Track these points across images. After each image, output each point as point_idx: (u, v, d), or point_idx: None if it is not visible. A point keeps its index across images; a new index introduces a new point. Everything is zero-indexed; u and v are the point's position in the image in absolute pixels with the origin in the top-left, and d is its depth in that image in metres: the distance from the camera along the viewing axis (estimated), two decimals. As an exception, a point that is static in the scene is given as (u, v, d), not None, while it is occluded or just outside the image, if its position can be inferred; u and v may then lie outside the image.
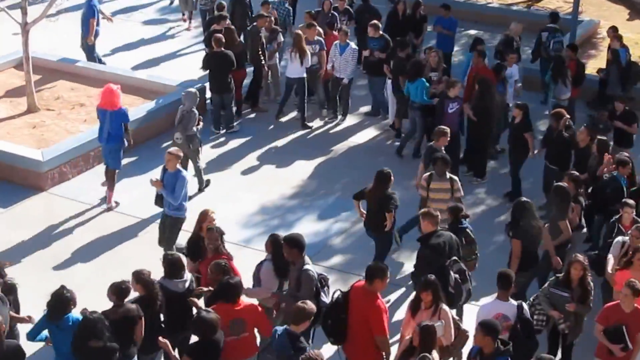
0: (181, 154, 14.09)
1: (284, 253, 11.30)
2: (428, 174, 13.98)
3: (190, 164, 16.40)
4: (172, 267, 11.20)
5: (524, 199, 13.10)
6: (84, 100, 19.42)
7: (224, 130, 18.88)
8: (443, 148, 14.79)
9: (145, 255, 14.51)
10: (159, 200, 14.12)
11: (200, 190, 16.74)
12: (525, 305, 11.21)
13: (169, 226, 14.03)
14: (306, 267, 11.09)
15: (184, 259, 11.67)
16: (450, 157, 14.42)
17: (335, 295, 10.83)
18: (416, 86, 17.38)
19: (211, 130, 18.67)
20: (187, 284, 11.21)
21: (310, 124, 19.44)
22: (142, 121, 18.21)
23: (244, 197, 16.48)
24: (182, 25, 24.49)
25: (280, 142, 18.69)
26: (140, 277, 10.78)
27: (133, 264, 13.98)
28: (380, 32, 19.39)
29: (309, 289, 11.05)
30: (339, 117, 19.66)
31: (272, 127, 19.36)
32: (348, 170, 17.47)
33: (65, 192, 16.53)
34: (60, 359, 10.51)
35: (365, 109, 20.10)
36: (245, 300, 10.83)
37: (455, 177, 14.04)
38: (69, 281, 13.02)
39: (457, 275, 11.83)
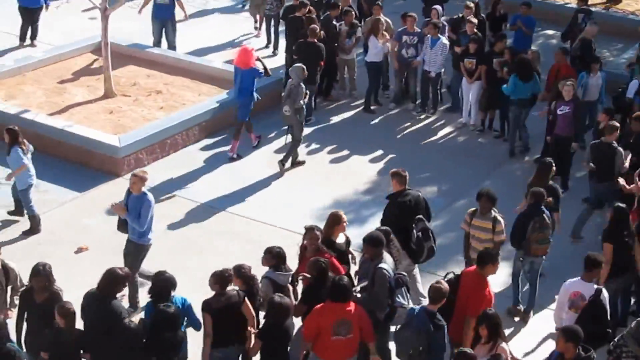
0: (147, 177, 12.94)
1: (364, 250, 11.36)
2: (473, 209, 12.94)
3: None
4: (279, 259, 11.28)
5: (622, 204, 12.86)
6: (160, 87, 19.64)
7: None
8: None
9: (218, 244, 14.75)
10: (122, 225, 13.09)
11: (293, 164, 17.25)
12: (604, 292, 11.30)
13: (132, 253, 12.97)
14: (381, 265, 11.11)
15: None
16: (561, 162, 14.23)
17: (447, 277, 11.17)
18: (532, 83, 17.38)
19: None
20: (290, 278, 11.33)
21: (373, 108, 19.80)
22: (217, 111, 18.41)
23: (317, 190, 16.56)
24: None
25: (355, 135, 18.76)
26: (240, 272, 10.85)
27: (207, 252, 14.37)
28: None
29: (383, 287, 11.09)
30: (429, 111, 19.73)
31: (346, 118, 19.44)
32: (422, 167, 17.47)
33: (141, 178, 16.74)
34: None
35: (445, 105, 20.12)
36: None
37: (500, 218, 12.70)
38: (144, 268, 13.35)
39: (419, 233, 12.65)
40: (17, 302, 11.26)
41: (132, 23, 22.23)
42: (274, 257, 11.33)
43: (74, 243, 14.52)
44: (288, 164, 17.23)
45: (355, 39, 19.80)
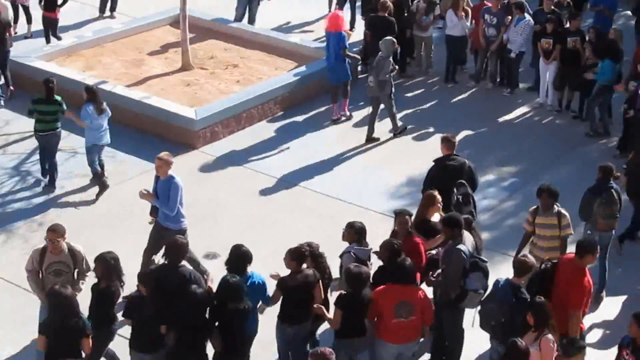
0: (172, 160, 12.68)
1: (443, 232, 11.36)
2: (534, 207, 12.42)
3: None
4: (361, 234, 11.32)
5: None
6: (237, 61, 19.74)
7: None
8: None
9: (289, 219, 14.81)
10: (154, 210, 12.96)
11: (395, 135, 17.32)
12: None
13: (162, 238, 12.20)
14: (460, 246, 11.07)
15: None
16: None
17: (543, 266, 11.04)
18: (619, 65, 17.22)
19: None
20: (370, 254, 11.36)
21: (452, 83, 19.87)
22: (293, 85, 18.48)
23: (389, 167, 16.53)
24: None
25: (431, 112, 18.68)
26: (308, 251, 10.90)
27: (277, 227, 14.42)
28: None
29: (457, 267, 11.05)
30: (507, 91, 19.56)
31: (421, 95, 19.36)
32: (499, 146, 17.36)
33: (216, 151, 16.90)
34: None
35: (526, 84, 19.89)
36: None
37: (565, 212, 12.19)
38: (215, 241, 13.47)
39: (460, 197, 12.77)
40: (82, 286, 11.20)
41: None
42: (356, 232, 11.38)
43: (147, 214, 14.63)
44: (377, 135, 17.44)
45: (432, 16, 19.67)
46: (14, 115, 17.76)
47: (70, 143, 16.69)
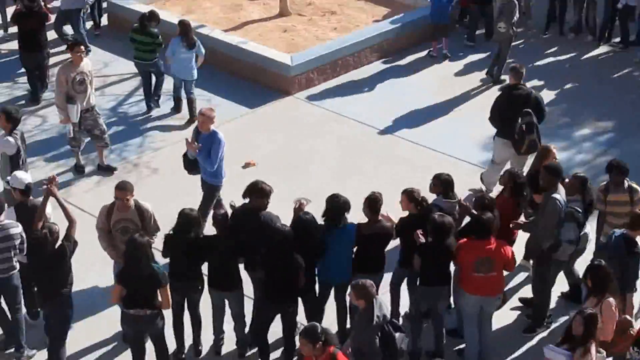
0: (214, 114, 12.58)
1: (541, 179, 11.17)
2: (604, 184, 11.89)
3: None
4: (447, 186, 11.23)
5: None
6: (335, 8, 19.66)
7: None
8: None
9: (382, 168, 14.76)
10: (191, 165, 12.77)
11: (494, 83, 17.44)
12: None
13: (205, 192, 12.76)
14: (554, 195, 10.89)
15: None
16: None
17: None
18: None
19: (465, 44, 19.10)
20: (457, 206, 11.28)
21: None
22: (390, 33, 18.43)
23: (486, 117, 16.30)
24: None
25: (528, 64, 18.22)
26: (413, 196, 10.87)
27: (370, 175, 14.36)
28: None
29: (551, 217, 10.88)
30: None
31: (518, 47, 19.00)
32: (595, 101, 17.01)
33: (310, 98, 16.91)
34: (335, 258, 10.68)
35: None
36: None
37: (637, 186, 11.68)
38: (304, 188, 13.47)
39: (523, 125, 13.09)
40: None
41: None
42: (442, 183, 11.28)
43: (242, 158, 14.78)
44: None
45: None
46: (113, 57, 18.02)
47: (168, 85, 16.85)
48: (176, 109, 16.25)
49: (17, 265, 10.49)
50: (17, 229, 10.33)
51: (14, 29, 17.72)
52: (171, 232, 10.48)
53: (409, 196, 10.86)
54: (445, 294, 10.71)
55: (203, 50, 15.77)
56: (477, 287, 10.40)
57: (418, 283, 10.74)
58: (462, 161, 14.95)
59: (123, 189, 10.65)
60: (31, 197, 10.88)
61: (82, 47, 14.21)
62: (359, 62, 17.92)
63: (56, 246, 10.03)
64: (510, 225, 11.31)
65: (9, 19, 18.02)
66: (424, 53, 18.48)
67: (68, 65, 13.89)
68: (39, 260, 10.09)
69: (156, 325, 10.03)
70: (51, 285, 10.07)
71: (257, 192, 10.87)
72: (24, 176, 10.89)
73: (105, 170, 14.50)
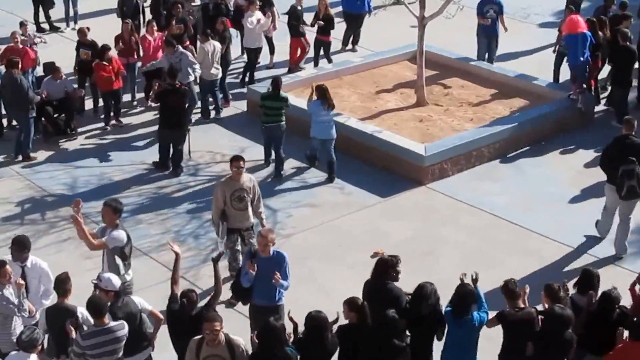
0: (274, 236, 11.51)
1: None
2: None
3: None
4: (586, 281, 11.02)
5: None
6: (472, 99, 19.55)
7: None
8: None
9: (510, 259, 14.44)
10: (238, 293, 11.59)
11: None
12: None
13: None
14: None
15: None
16: None
17: None
18: None
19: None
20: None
21: None
22: (525, 125, 18.19)
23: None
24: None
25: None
26: (552, 291, 10.73)
27: (499, 267, 14.04)
28: None
29: None
30: None
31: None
32: None
33: (443, 189, 16.76)
34: (452, 352, 10.63)
35: None
36: None
37: None
38: (433, 278, 13.19)
39: (624, 171, 13.84)
40: None
41: (449, 33, 22.14)
42: (583, 276, 11.07)
43: (371, 247, 14.70)
44: None
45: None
46: (249, 143, 18.32)
47: (302, 173, 17.03)
48: (311, 164, 17.25)
49: None
50: (124, 330, 10.15)
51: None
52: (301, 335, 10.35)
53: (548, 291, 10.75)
54: None
55: None
56: None
57: None
58: (593, 256, 14.53)
59: (213, 320, 9.74)
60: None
61: (242, 163, 13.25)
62: (495, 153, 17.72)
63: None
64: None
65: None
66: (559, 145, 18.16)
67: (226, 180, 13.33)
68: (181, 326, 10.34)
69: None
70: None
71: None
72: (115, 278, 10.75)
73: None
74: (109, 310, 10.30)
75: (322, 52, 21.88)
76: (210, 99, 19.54)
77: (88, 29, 19.68)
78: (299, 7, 21.64)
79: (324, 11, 21.58)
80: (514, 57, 22.48)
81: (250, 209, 13.28)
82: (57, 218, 15.67)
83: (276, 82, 16.94)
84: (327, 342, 10.10)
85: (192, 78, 18.56)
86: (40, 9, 23.79)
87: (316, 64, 21.78)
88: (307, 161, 17.35)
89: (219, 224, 13.27)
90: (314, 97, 16.76)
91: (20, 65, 17.56)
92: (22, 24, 19.70)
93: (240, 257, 13.20)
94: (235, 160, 13.14)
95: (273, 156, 17.29)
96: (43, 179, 16.97)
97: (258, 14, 20.80)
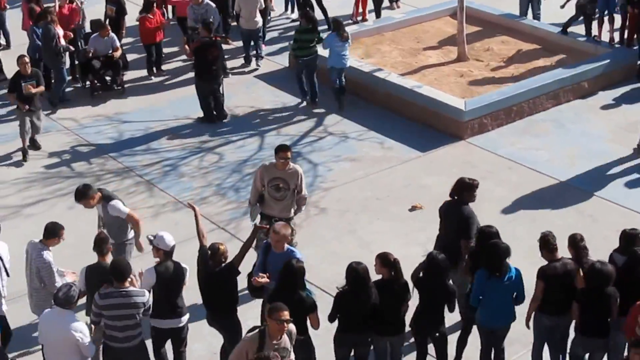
0: (289, 231, 10.77)
1: None
2: None
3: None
4: (629, 241, 10.62)
5: None
6: (513, 54, 19.30)
7: None
8: None
9: (552, 215, 14.27)
10: (255, 291, 10.80)
11: None
12: None
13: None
14: None
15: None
16: None
17: None
18: None
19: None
20: None
21: None
22: (565, 81, 17.95)
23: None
24: None
25: None
26: (575, 241, 10.58)
27: (539, 223, 13.89)
28: None
29: None
30: None
31: None
32: None
33: (483, 143, 16.58)
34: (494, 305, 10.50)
35: None
36: None
37: None
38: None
39: None
40: None
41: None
42: (624, 237, 10.72)
43: (410, 201, 14.63)
44: None
45: None
46: (291, 98, 18.25)
47: (343, 127, 16.97)
48: (340, 94, 17.58)
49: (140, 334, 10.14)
50: (143, 298, 9.99)
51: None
52: (341, 289, 10.20)
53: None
54: (601, 346, 10.27)
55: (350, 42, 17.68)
56: None
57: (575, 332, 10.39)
58: (635, 212, 14.32)
59: (280, 309, 9.08)
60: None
61: (288, 153, 12.13)
62: (534, 108, 17.49)
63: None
64: None
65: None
66: (600, 101, 17.89)
67: (269, 166, 12.30)
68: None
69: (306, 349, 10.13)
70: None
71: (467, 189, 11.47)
72: (170, 238, 10.57)
73: None
74: (154, 268, 10.35)
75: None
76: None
77: None
78: None
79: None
80: (560, 16, 22.09)
81: (286, 201, 12.24)
82: (102, 171, 15.78)
83: (309, 15, 17.94)
84: (369, 292, 10.03)
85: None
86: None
87: (378, 15, 21.90)
88: (336, 92, 17.61)
89: (253, 205, 12.51)
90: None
91: (50, 18, 17.74)
92: None
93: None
94: (281, 150, 12.06)
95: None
96: (90, 133, 17.07)
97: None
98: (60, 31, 17.77)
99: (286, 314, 8.95)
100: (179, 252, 10.73)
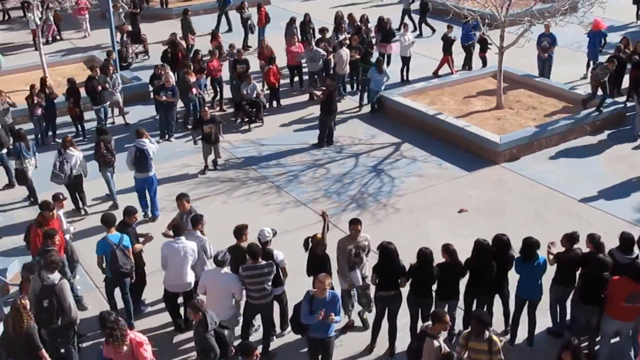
0: (330, 280, 9.52)
1: None
2: (466, 332, 9.02)
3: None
4: (626, 244, 10.29)
5: None
6: (536, 104, 18.99)
7: None
8: None
9: (559, 220, 13.99)
10: (298, 328, 9.68)
11: None
12: None
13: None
14: None
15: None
16: None
17: None
18: None
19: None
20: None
21: None
22: (572, 125, 17.51)
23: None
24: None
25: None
26: (594, 239, 10.32)
27: (551, 225, 13.64)
28: None
29: None
30: None
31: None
32: None
33: (512, 167, 16.35)
34: (528, 282, 10.32)
35: None
36: None
37: (496, 339, 8.77)
38: (502, 229, 12.72)
39: None
40: None
41: (521, 59, 21.42)
42: (623, 240, 10.35)
43: (458, 206, 14.57)
44: None
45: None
46: (378, 132, 18.29)
47: (413, 153, 16.92)
48: (377, 108, 18.75)
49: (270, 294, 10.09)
50: (272, 269, 9.91)
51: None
52: (413, 265, 10.18)
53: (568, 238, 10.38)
54: (595, 314, 10.05)
55: (389, 77, 18.90)
56: (623, 314, 9.69)
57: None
58: (618, 219, 13.97)
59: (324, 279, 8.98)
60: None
61: (359, 226, 10.57)
62: (549, 143, 17.20)
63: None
64: None
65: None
66: (599, 139, 17.48)
67: (347, 238, 10.72)
68: None
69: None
70: None
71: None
72: (267, 232, 10.37)
73: None
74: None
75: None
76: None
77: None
78: (450, 35, 21.48)
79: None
80: (566, 77, 21.64)
81: (365, 261, 10.78)
82: (246, 178, 16.05)
83: (366, 53, 19.65)
84: (433, 270, 10.09)
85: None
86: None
87: (469, 68, 21.93)
88: (373, 105, 18.83)
89: (348, 274, 10.67)
90: None
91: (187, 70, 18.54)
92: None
93: (351, 305, 10.99)
94: (354, 223, 10.59)
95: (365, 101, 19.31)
96: (239, 152, 17.37)
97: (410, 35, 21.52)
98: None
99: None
100: (293, 237, 10.81)
